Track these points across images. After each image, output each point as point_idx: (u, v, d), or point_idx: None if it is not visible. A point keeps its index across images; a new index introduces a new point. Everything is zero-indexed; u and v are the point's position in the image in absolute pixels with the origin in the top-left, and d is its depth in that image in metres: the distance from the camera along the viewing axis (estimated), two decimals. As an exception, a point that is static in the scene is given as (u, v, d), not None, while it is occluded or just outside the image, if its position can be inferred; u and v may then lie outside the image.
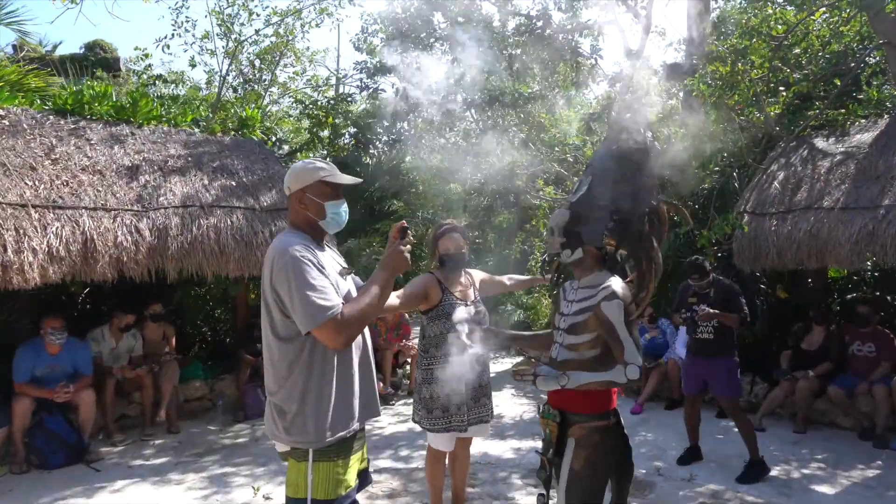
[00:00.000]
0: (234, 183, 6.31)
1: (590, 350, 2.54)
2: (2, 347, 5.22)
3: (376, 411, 2.51)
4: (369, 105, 10.37)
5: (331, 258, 2.43)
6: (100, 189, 5.34)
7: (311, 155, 9.16)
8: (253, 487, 4.51)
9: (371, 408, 2.48)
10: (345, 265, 2.51)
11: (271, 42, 10.08)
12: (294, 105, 10.74)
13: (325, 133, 9.40)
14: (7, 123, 5.41)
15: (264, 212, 6.13)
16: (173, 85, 10.61)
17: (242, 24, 9.74)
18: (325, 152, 9.29)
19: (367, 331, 2.53)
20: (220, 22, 10.20)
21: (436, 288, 3.56)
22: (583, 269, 2.65)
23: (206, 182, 6.11)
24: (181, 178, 6.00)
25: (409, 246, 2.45)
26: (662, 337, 7.04)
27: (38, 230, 4.62)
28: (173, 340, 6.48)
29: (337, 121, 9.26)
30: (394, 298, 3.44)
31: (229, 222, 5.78)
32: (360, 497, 2.49)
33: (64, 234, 4.74)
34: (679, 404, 6.17)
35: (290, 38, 10.15)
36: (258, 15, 9.70)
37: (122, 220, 5.22)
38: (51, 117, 5.97)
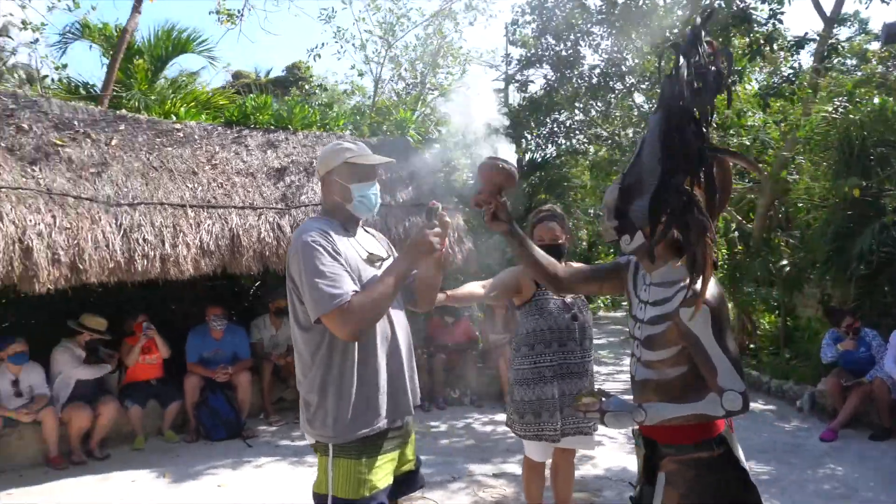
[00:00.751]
0: (373, 180, 6.52)
1: (673, 368, 1.97)
2: (178, 331, 5.94)
3: (408, 409, 2.31)
4: (523, 98, 10.13)
5: (357, 244, 2.29)
6: (249, 190, 5.85)
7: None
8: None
9: (401, 406, 2.28)
10: (378, 252, 2.35)
11: (424, 46, 10.35)
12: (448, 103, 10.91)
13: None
14: (181, 135, 6.17)
15: (399, 207, 6.24)
16: (328, 93, 11.39)
17: (401, 30, 10.15)
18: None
19: (401, 321, 2.35)
20: (382, 32, 10.72)
21: (529, 281, 3.27)
22: (651, 259, 2.11)
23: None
24: (324, 177, 6.35)
25: (437, 230, 2.23)
26: (867, 350, 5.78)
27: (193, 227, 5.18)
28: (328, 332, 6.89)
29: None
30: (477, 288, 3.23)
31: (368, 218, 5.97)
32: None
33: (214, 231, 5.26)
34: (890, 435, 5.13)
35: (441, 39, 10.30)
36: (414, 22, 10.04)
37: (266, 217, 5.66)
38: (219, 129, 6.70)
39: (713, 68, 1.77)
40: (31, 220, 4.22)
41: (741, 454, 2.02)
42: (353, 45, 9.87)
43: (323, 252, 2.09)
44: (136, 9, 7.28)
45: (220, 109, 7.77)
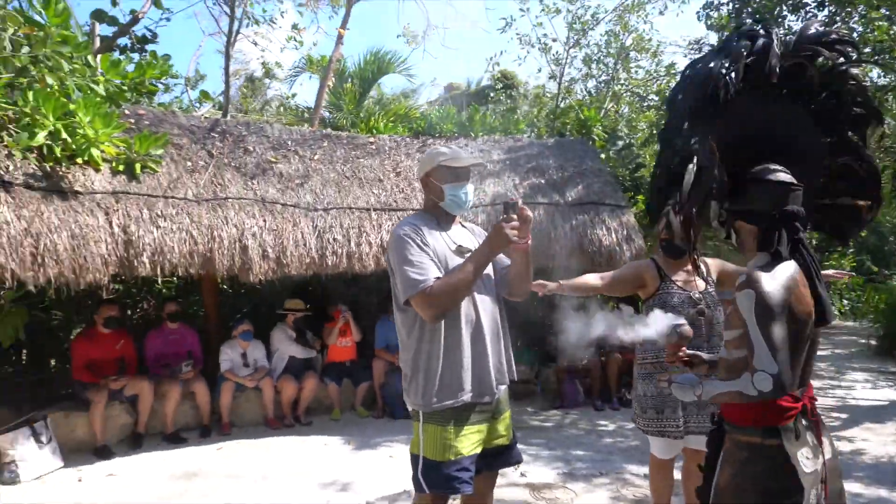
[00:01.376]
0: (542, 180, 6.68)
1: (737, 350, 2.00)
2: (371, 321, 6.75)
3: (490, 389, 2.51)
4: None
5: (448, 237, 2.55)
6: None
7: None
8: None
9: (485, 384, 2.49)
10: (468, 245, 2.59)
11: (613, 41, 10.07)
12: (635, 99, 10.45)
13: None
14: (374, 148, 7.00)
15: (568, 206, 6.31)
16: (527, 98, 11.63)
17: (589, 28, 10.05)
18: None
19: (487, 307, 2.55)
20: (572, 31, 10.74)
21: (653, 274, 3.23)
22: (742, 251, 2.13)
23: (516, 181, 6.66)
24: (495, 179, 6.69)
25: (514, 223, 2.39)
26: None
27: (375, 228, 5.88)
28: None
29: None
30: (594, 279, 3.28)
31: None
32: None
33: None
34: None
35: (626, 34, 9.93)
36: (597, 18, 9.86)
37: (440, 217, 6.18)
38: (407, 139, 7.43)
39: None
40: (247, 224, 5.25)
41: (805, 454, 1.92)
42: (538, 48, 10.07)
43: (412, 244, 2.41)
44: (339, 41, 8.42)
45: (414, 121, 8.57)
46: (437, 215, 2.60)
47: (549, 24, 11.75)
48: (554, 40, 10.06)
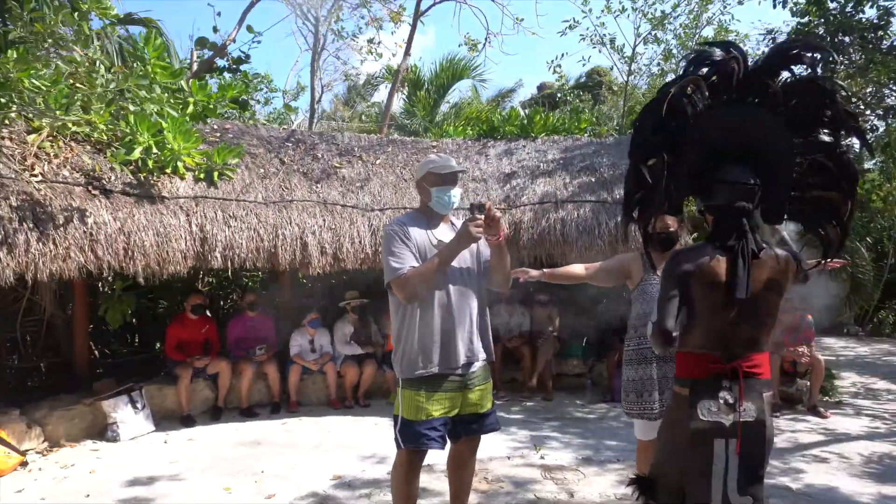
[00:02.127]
0: (592, 179, 6.83)
1: None
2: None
3: (457, 363, 2.87)
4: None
5: (432, 234, 2.93)
6: (478, 193, 6.79)
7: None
8: (536, 447, 5.06)
9: (452, 359, 2.87)
10: (446, 241, 2.95)
11: (689, 32, 9.82)
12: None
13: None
14: (435, 149, 7.46)
15: (615, 204, 6.44)
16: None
17: (666, 23, 9.90)
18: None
19: (462, 293, 2.91)
20: (650, 24, 10.64)
21: (639, 266, 3.44)
22: None
23: (567, 180, 6.86)
24: (547, 178, 6.92)
25: (478, 222, 2.74)
26: None
27: (426, 227, 6.34)
28: (557, 322, 7.45)
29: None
30: (578, 269, 3.53)
31: (576, 215, 6.37)
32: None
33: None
34: None
35: (700, 25, 9.63)
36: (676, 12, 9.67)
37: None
38: (469, 142, 7.82)
39: None
40: (308, 223, 5.89)
41: (707, 406, 2.20)
42: (607, 47, 10.05)
43: (395, 238, 2.84)
44: (407, 52, 8.96)
45: (484, 124, 8.93)
46: (428, 214, 3.00)
47: (615, 23, 11.75)
48: (612, 41, 10.02)
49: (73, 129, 4.56)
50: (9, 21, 3.88)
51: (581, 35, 10.38)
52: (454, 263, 2.87)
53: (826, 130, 2.33)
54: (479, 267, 3.04)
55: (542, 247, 6.30)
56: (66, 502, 4.08)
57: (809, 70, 2.36)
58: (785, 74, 2.41)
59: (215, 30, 8.46)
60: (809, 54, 2.33)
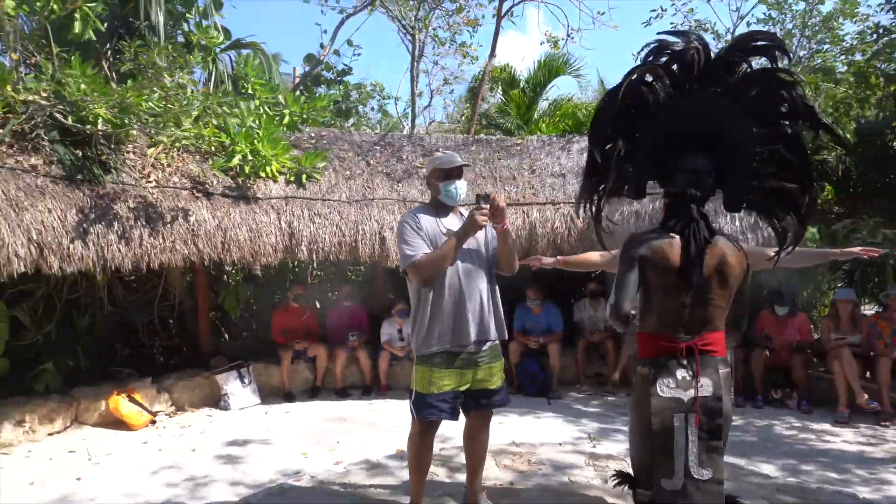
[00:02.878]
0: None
1: None
2: (511, 304, 7.43)
3: (465, 343, 3.13)
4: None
5: (441, 224, 3.22)
6: (554, 189, 6.88)
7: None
8: (590, 436, 5.10)
9: (461, 339, 3.14)
10: (455, 230, 3.22)
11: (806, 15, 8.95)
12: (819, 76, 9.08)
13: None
14: (518, 148, 7.66)
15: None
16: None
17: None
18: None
19: (471, 276, 3.16)
20: (769, 5, 9.92)
21: None
22: None
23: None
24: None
25: (483, 211, 2.99)
26: None
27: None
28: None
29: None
30: (594, 255, 3.61)
31: (651, 207, 6.25)
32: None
33: (516, 224, 6.53)
34: None
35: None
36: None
37: (562, 211, 6.60)
38: (553, 139, 7.91)
39: None
40: (387, 220, 6.37)
41: (666, 383, 2.29)
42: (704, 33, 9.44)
43: (407, 227, 3.18)
44: (492, 53, 9.17)
45: (570, 119, 8.96)
46: (437, 207, 3.31)
47: (709, 8, 11.02)
48: (710, 27, 9.43)
49: (184, 142, 5.42)
50: (120, 57, 4.77)
51: (671, 23, 9.93)
52: (464, 248, 3.13)
53: (785, 121, 2.32)
54: (487, 253, 3.28)
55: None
56: (176, 453, 4.88)
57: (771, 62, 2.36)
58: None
59: (322, 46, 9.25)
60: (769, 45, 2.33)
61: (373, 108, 12.75)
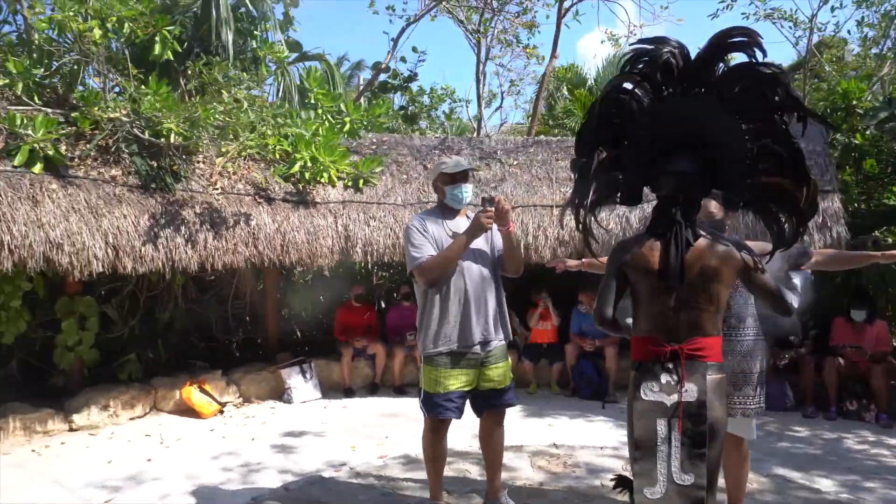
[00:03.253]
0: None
1: None
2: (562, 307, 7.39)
3: (471, 343, 3.21)
4: None
5: (447, 226, 3.32)
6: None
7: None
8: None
9: (469, 339, 3.22)
10: (461, 233, 3.30)
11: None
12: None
13: None
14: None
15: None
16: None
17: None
18: None
19: (475, 278, 3.25)
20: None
21: None
22: None
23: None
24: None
25: (489, 213, 3.07)
26: None
27: (554, 224, 6.54)
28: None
29: None
30: None
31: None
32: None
33: (570, 226, 6.49)
34: None
35: None
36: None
37: (616, 212, 6.49)
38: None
39: None
40: (440, 222, 6.53)
41: (651, 387, 2.28)
42: (781, 22, 8.83)
43: (415, 231, 3.30)
44: (553, 55, 9.06)
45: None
46: (443, 210, 3.41)
47: None
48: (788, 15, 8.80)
49: (249, 151, 5.83)
50: (186, 76, 5.22)
51: (743, 13, 9.33)
52: (470, 250, 3.22)
53: (772, 115, 2.27)
54: (493, 255, 3.34)
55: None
56: (237, 441, 5.25)
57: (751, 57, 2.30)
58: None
59: (389, 53, 9.54)
60: (746, 40, 2.28)
61: (444, 112, 12.97)
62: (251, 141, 5.69)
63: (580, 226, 2.51)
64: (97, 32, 5.15)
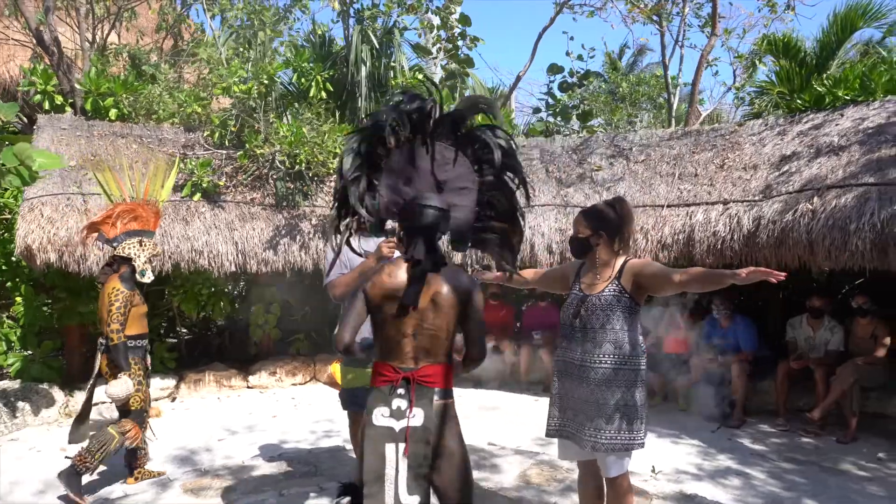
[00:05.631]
0: (891, 153, 4.96)
1: None
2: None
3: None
4: None
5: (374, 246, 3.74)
6: (734, 185, 5.89)
7: None
8: (653, 468, 4.55)
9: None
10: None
11: None
12: None
13: None
14: (730, 138, 6.72)
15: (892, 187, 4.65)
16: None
17: None
18: None
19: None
20: None
21: (571, 275, 3.26)
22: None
23: (854, 157, 5.18)
24: (829, 158, 5.40)
25: (391, 243, 3.45)
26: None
27: (658, 223, 6.04)
28: (887, 340, 5.58)
29: None
30: (530, 274, 3.50)
31: (834, 205, 4.87)
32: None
33: (675, 227, 5.92)
34: None
35: None
36: None
37: (730, 212, 5.66)
38: (780, 119, 6.67)
39: None
40: (541, 226, 6.56)
41: (381, 412, 2.55)
42: None
43: (331, 252, 3.81)
44: (713, 32, 7.75)
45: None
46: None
47: None
48: None
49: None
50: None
51: None
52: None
53: (494, 171, 2.63)
54: None
55: (783, 248, 5.13)
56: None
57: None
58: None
59: (568, 54, 9.56)
60: (487, 106, 2.77)
61: (654, 102, 12.20)
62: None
63: (338, 250, 2.79)
64: (254, 91, 6.77)
